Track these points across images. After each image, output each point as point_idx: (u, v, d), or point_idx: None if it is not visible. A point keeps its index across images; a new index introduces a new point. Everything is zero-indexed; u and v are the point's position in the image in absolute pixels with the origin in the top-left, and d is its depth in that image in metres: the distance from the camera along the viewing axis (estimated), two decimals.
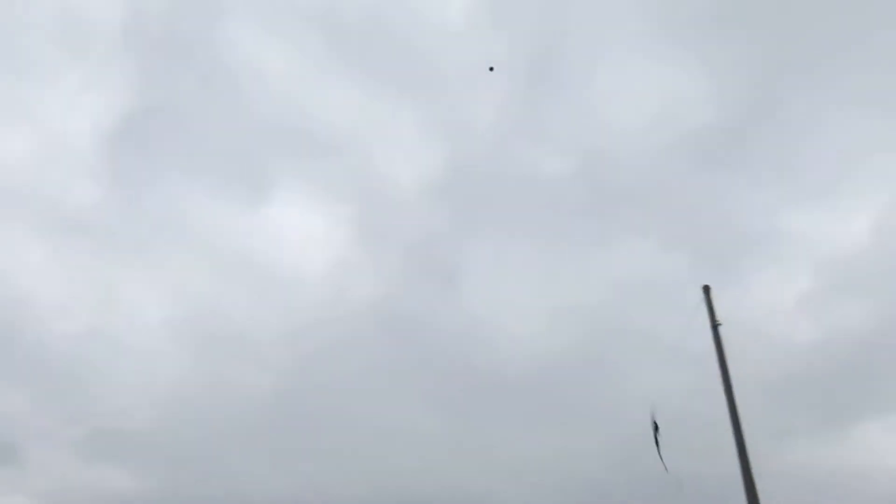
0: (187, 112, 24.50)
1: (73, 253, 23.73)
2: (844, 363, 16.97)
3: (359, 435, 20.31)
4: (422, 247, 23.65)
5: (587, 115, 23.14)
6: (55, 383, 21.30)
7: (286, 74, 24.62)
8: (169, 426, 20.83)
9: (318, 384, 21.52)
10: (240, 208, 25.32)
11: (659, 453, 5.95)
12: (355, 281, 23.57)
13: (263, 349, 22.60)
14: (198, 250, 24.49)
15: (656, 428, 6.01)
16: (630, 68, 22.39)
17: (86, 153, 24.07)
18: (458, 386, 20.82)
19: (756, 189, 21.39)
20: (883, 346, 16.41)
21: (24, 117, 24.60)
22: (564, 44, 23.49)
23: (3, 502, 19.24)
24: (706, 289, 7.06)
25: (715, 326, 6.71)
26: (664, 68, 21.94)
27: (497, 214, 23.89)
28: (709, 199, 21.44)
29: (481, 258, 23.38)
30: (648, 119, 22.53)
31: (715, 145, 21.86)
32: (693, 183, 21.97)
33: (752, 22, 22.50)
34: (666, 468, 5.88)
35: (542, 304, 21.78)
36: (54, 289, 22.69)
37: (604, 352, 20.46)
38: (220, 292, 23.96)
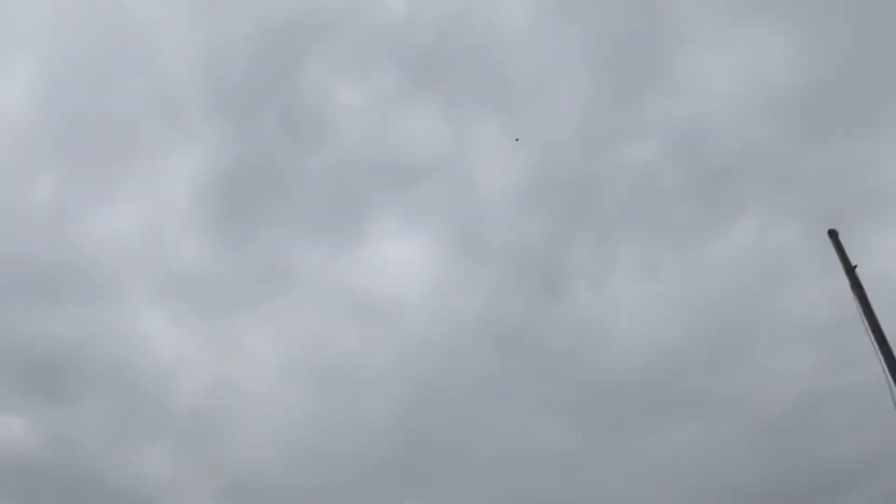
0: (277, 159, 25.18)
1: (189, 310, 24.60)
2: None
3: (480, 454, 19.99)
4: (520, 257, 23.25)
5: (670, 95, 22.31)
6: (186, 438, 21.97)
7: (366, 108, 24.94)
8: (298, 467, 21.07)
9: (436, 407, 21.37)
10: (339, 246, 25.67)
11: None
12: (458, 300, 23.37)
13: (378, 381, 22.65)
14: (304, 293, 24.92)
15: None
16: (710, 37, 21.46)
17: (189, 215, 25.05)
18: (576, 391, 20.21)
19: (860, 144, 19.89)
20: None
21: (130, 190, 25.85)
22: (636, 31, 22.79)
23: None
24: (833, 233, 6.18)
25: (850, 270, 5.83)
26: (747, 31, 20.89)
27: (593, 212, 23.25)
28: (811, 163, 20.08)
29: (582, 259, 22.74)
30: (737, 88, 21.47)
31: (808, 107, 20.51)
32: (792, 148, 20.68)
33: None
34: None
35: (653, 297, 20.94)
36: (175, 347, 23.53)
37: (727, 337, 19.44)
38: (330, 331, 24.25)
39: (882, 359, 5.36)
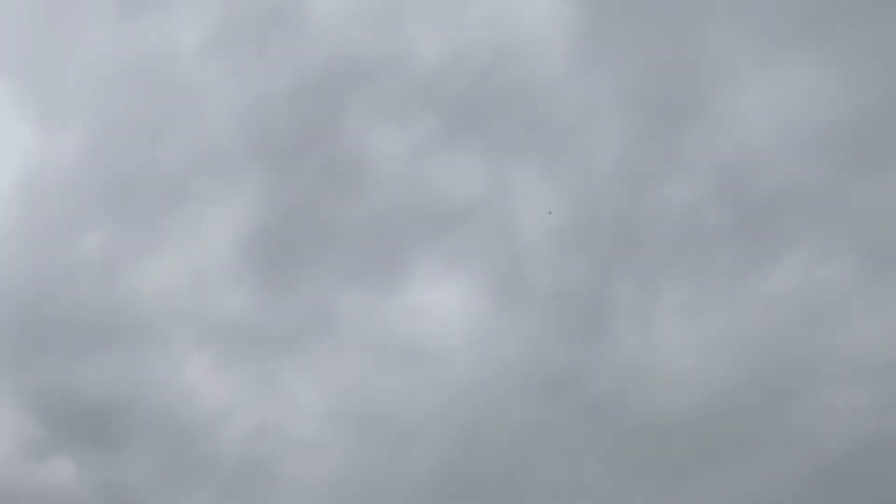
0: (318, 207, 25.48)
1: (232, 359, 24.83)
2: None
3: (529, 501, 19.58)
4: (563, 298, 22.98)
5: (711, 131, 22.05)
6: (231, 484, 21.99)
7: (405, 154, 25.21)
8: None
9: (480, 454, 21.05)
10: (380, 291, 25.73)
11: None
12: (501, 344, 23.15)
13: (421, 427, 22.46)
14: (346, 338, 24.98)
15: None
16: (749, 70, 21.25)
17: (233, 263, 25.43)
18: (622, 434, 19.74)
19: None
20: None
21: (176, 241, 26.41)
22: (674, 67, 22.71)
23: None
24: None
25: None
26: (787, 63, 20.63)
27: (636, 252, 22.94)
28: (859, 197, 19.58)
29: (626, 300, 22.39)
30: (779, 123, 21.13)
31: (854, 139, 20.10)
32: (839, 182, 20.21)
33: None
34: None
35: (699, 337, 20.45)
36: (219, 395, 23.71)
37: (778, 376, 18.87)
38: (372, 377, 24.21)
39: None
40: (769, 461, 18.36)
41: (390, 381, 23.78)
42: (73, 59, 25.99)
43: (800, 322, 19.88)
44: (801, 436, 18.49)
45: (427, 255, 25.40)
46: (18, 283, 24.50)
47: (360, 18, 25.45)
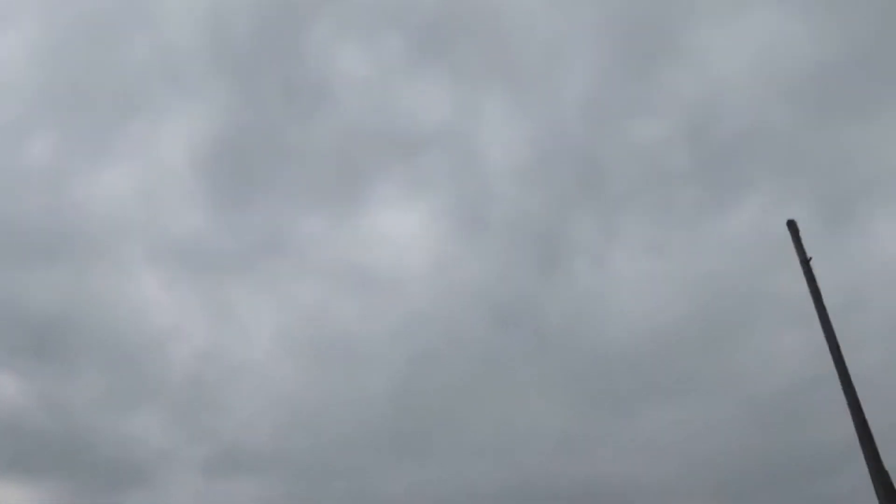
0: (278, 127, 24.83)
1: (185, 276, 24.44)
2: None
3: (477, 428, 19.98)
4: (523, 231, 23.01)
5: (681, 72, 21.90)
6: (178, 405, 21.92)
7: (370, 76, 24.55)
8: (290, 437, 21.06)
9: (432, 380, 21.31)
10: (339, 215, 25.41)
11: None
12: (458, 274, 23.18)
13: (374, 353, 22.56)
14: (303, 262, 24.73)
15: None
16: (723, 15, 21.01)
17: (187, 179, 24.76)
18: (572, 367, 20.14)
19: (870, 127, 19.51)
20: None
21: (127, 152, 25.58)
22: (648, 6, 22.30)
23: None
24: (791, 224, 6.33)
25: (805, 262, 5.96)
26: (760, 10, 20.43)
27: (598, 188, 22.97)
28: (820, 145, 19.73)
29: (585, 236, 22.50)
30: (749, 68, 21.05)
31: (821, 87, 20.11)
32: (802, 129, 20.32)
33: None
34: None
35: (654, 276, 20.76)
36: (170, 312, 23.40)
37: (725, 317, 19.33)
38: (326, 301, 24.10)
39: (833, 352, 5.31)
40: (710, 397, 18.94)
41: (345, 306, 23.77)
42: None
43: (751, 265, 20.25)
44: (742, 374, 19.06)
45: (388, 181, 25.09)
46: None
47: None
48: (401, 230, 24.85)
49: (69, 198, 23.21)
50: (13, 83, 24.34)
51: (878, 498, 4.14)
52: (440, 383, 21.27)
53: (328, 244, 24.73)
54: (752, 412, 18.14)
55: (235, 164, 24.75)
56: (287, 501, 19.91)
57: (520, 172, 23.27)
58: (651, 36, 22.33)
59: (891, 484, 4.11)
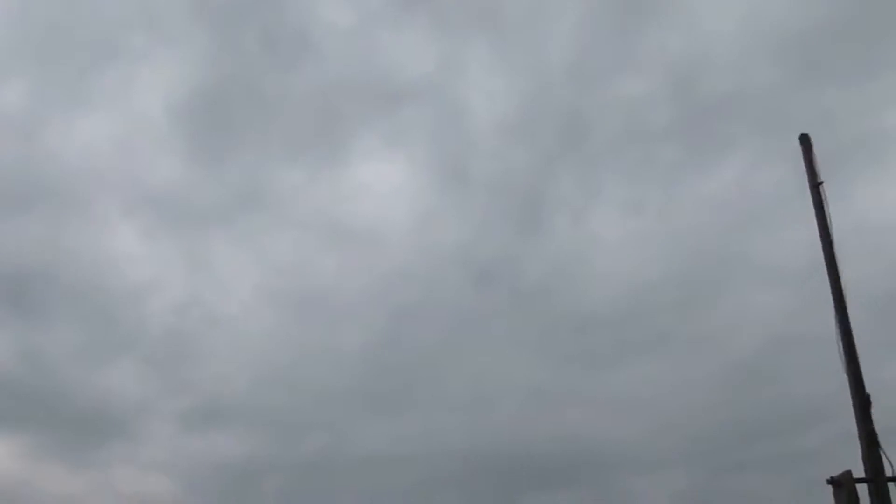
0: (257, 77, 24.34)
1: (161, 228, 24.12)
2: None
3: (454, 384, 20.08)
4: (504, 188, 22.88)
5: (667, 29, 21.64)
6: (156, 357, 21.79)
7: (351, 27, 24.04)
8: (267, 390, 21.06)
9: (409, 337, 21.34)
10: (318, 168, 25.10)
11: None
12: (438, 230, 23.06)
13: (352, 308, 22.51)
14: (281, 214, 24.46)
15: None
16: None
17: (164, 128, 24.26)
18: (548, 326, 20.22)
19: (856, 90, 19.46)
20: None
21: (103, 101, 25.00)
22: None
23: (116, 473, 19.91)
24: (804, 139, 5.19)
25: (816, 185, 5.17)
26: None
27: (580, 147, 22.82)
28: (804, 106, 19.64)
29: (566, 194, 22.42)
30: (736, 26, 20.83)
31: (806, 48, 19.95)
32: (786, 90, 20.23)
33: None
34: None
35: (634, 235, 20.77)
36: (147, 264, 23.12)
37: (701, 277, 19.44)
38: (305, 255, 23.92)
39: (830, 276, 4.85)
40: (685, 356, 19.12)
41: (324, 260, 23.62)
42: None
43: (729, 225, 20.31)
44: (717, 334, 19.24)
45: (369, 133, 24.72)
46: None
47: None
48: (381, 183, 24.63)
49: (43, 147, 22.71)
50: None
51: (862, 447, 4.09)
52: (418, 340, 21.31)
53: (308, 197, 24.49)
54: (726, 371, 18.37)
55: (214, 115, 24.27)
56: (264, 454, 20.01)
57: (502, 127, 23.05)
58: None
59: (874, 433, 4.06)
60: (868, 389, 4.30)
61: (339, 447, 19.78)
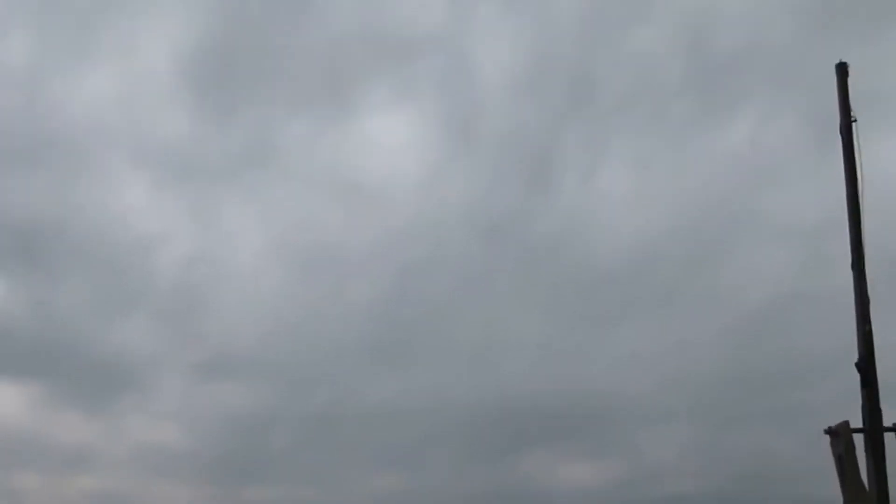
0: (264, 30, 24.06)
1: (168, 184, 24.15)
2: None
3: (460, 341, 20.23)
4: (513, 143, 22.70)
5: None
6: (165, 310, 22.02)
7: None
8: (276, 344, 21.29)
9: (417, 293, 21.43)
10: (326, 122, 24.94)
11: None
12: (447, 185, 22.98)
13: (360, 263, 22.59)
14: (289, 169, 24.41)
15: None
16: None
17: (171, 81, 24.11)
18: (556, 283, 20.27)
19: (872, 44, 19.06)
20: None
21: (107, 53, 24.81)
22: None
23: (129, 422, 20.31)
24: (842, 67, 4.77)
25: (850, 122, 4.69)
26: None
27: (589, 103, 22.55)
28: (820, 60, 19.25)
29: (575, 150, 22.25)
30: None
31: (825, 3, 19.48)
32: (802, 43, 19.83)
33: None
34: None
35: (643, 191, 20.67)
36: (155, 218, 23.21)
37: (711, 233, 19.40)
38: (313, 210, 23.92)
39: (851, 226, 4.65)
40: (693, 313, 19.17)
41: (332, 216, 23.64)
42: None
43: (739, 181, 20.17)
44: (725, 290, 19.27)
45: (377, 88, 24.48)
46: None
47: None
48: (389, 138, 24.46)
49: (48, 101, 22.64)
50: None
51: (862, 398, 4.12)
52: (425, 295, 21.41)
53: (316, 151, 24.40)
54: (733, 327, 18.45)
55: (220, 68, 24.05)
56: (273, 407, 20.34)
57: (511, 82, 22.79)
58: None
59: (872, 384, 4.09)
60: (877, 345, 4.28)
61: (347, 400, 20.08)
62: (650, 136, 21.98)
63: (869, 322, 4.42)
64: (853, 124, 4.75)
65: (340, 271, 22.87)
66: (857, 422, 4.32)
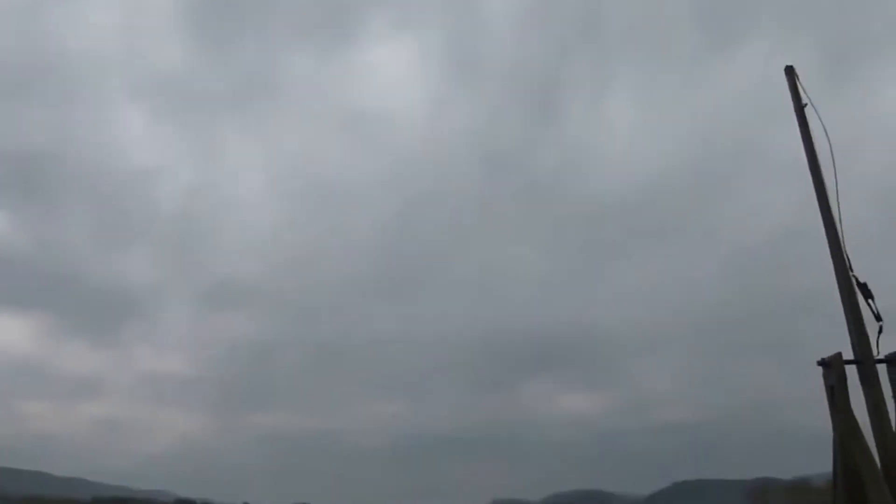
0: None
1: (168, 115, 24.04)
2: None
3: (464, 272, 20.38)
4: (518, 75, 22.43)
5: None
6: (168, 241, 22.21)
7: None
8: (281, 275, 21.54)
9: (420, 225, 21.52)
10: (329, 52, 24.61)
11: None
12: (451, 116, 22.86)
13: (364, 196, 22.64)
14: (292, 100, 24.24)
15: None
16: None
17: (169, 12, 23.67)
18: (559, 214, 20.33)
19: None
20: None
21: None
22: None
23: (135, 351, 20.67)
24: (789, 70, 5.58)
25: (801, 107, 5.47)
26: None
27: (596, 34, 22.13)
28: None
29: (581, 80, 21.98)
30: None
31: None
32: None
33: None
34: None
35: (649, 123, 20.55)
36: (155, 150, 23.17)
37: (715, 168, 19.41)
38: (317, 142, 23.86)
39: (820, 203, 5.05)
40: (696, 246, 19.29)
41: (336, 147, 23.56)
42: None
43: (746, 115, 20.07)
44: (727, 224, 19.38)
45: (378, 17, 23.97)
46: None
47: None
48: (392, 68, 24.17)
49: (46, 31, 22.30)
50: None
51: (851, 331, 4.24)
52: (428, 228, 21.53)
53: (318, 83, 24.18)
54: (734, 261, 18.66)
55: (221, 1, 23.55)
56: (278, 336, 20.63)
57: (518, 13, 22.36)
58: None
59: (861, 318, 4.20)
60: (872, 280, 4.41)
61: (351, 331, 20.44)
62: (656, 69, 21.75)
63: (845, 259, 4.59)
64: (804, 107, 5.25)
65: (344, 203, 23.01)
66: (850, 354, 4.43)
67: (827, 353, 4.40)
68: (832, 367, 4.27)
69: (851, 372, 4.30)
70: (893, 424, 4.13)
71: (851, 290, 4.43)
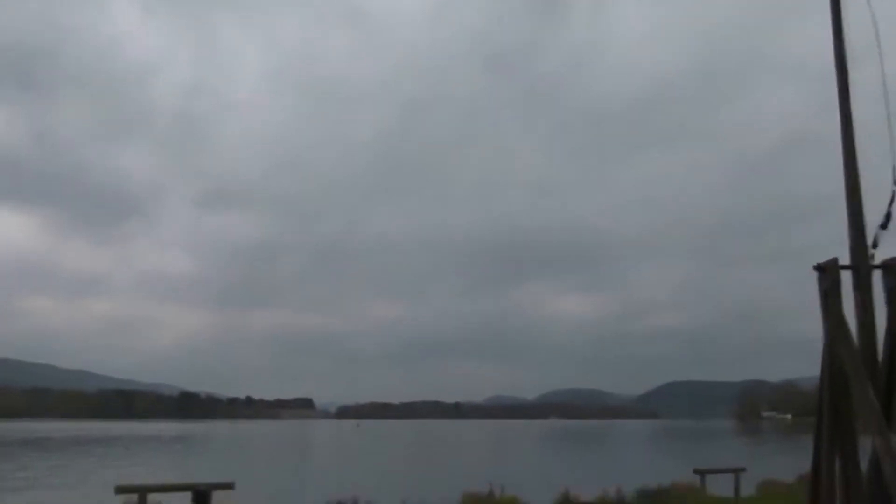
0: None
1: (165, 8, 23.24)
2: None
3: (464, 175, 20.26)
4: None
5: None
6: (166, 138, 21.96)
7: None
8: (279, 176, 21.42)
9: (421, 126, 21.26)
10: None
11: None
12: (455, 15, 22.14)
13: (364, 96, 22.25)
14: None
15: None
16: None
17: None
18: (562, 117, 20.04)
19: None
20: None
21: None
22: None
23: (136, 249, 20.75)
24: None
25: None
26: None
27: None
28: None
29: None
30: None
31: None
32: None
33: None
34: None
35: (656, 25, 19.96)
36: (151, 45, 22.58)
37: (723, 72, 18.99)
38: (316, 38, 23.24)
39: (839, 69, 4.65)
40: (696, 153, 19.10)
41: (335, 44, 22.95)
42: None
43: (756, 19, 19.42)
44: (732, 130, 19.13)
45: None
46: None
47: None
48: None
49: None
50: None
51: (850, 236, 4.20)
52: (429, 130, 21.26)
53: None
54: (736, 168, 18.53)
55: None
56: (279, 237, 20.67)
57: None
58: None
59: (862, 222, 4.15)
60: (879, 186, 4.31)
61: (352, 232, 20.49)
62: None
63: (854, 156, 4.43)
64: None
65: (344, 104, 22.61)
66: (846, 260, 4.40)
67: (826, 259, 4.37)
68: (827, 272, 4.26)
69: (847, 279, 4.29)
70: (884, 330, 4.16)
71: (858, 195, 4.33)
